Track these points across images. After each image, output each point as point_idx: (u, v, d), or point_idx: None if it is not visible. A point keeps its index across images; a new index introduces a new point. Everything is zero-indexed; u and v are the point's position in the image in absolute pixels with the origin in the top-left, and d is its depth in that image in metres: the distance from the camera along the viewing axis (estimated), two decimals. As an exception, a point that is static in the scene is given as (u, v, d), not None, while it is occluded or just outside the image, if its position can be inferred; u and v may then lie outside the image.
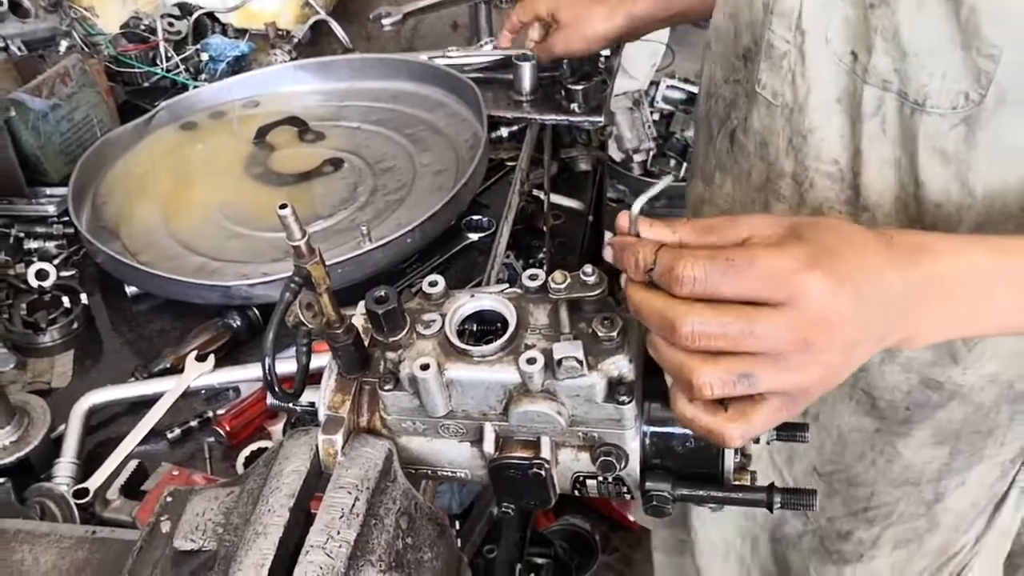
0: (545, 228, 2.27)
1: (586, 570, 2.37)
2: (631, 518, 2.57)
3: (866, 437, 1.25)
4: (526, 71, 1.66)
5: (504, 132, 1.70)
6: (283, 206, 0.72)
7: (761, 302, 0.68)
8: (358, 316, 0.89)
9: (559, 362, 0.74)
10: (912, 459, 1.24)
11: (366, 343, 0.85)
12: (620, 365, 0.76)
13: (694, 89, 3.37)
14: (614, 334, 0.76)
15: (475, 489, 1.86)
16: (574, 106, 1.65)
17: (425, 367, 0.76)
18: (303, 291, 0.77)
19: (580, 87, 1.64)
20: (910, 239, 0.77)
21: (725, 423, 0.71)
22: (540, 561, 2.22)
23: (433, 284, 0.83)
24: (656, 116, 3.36)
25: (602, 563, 2.47)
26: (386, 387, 0.80)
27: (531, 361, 0.75)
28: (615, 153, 3.23)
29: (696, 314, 0.68)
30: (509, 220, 1.50)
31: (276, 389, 0.76)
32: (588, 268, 0.78)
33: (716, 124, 1.24)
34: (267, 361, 0.73)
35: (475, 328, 0.83)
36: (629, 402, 0.76)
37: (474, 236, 1.48)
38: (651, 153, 3.25)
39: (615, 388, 0.76)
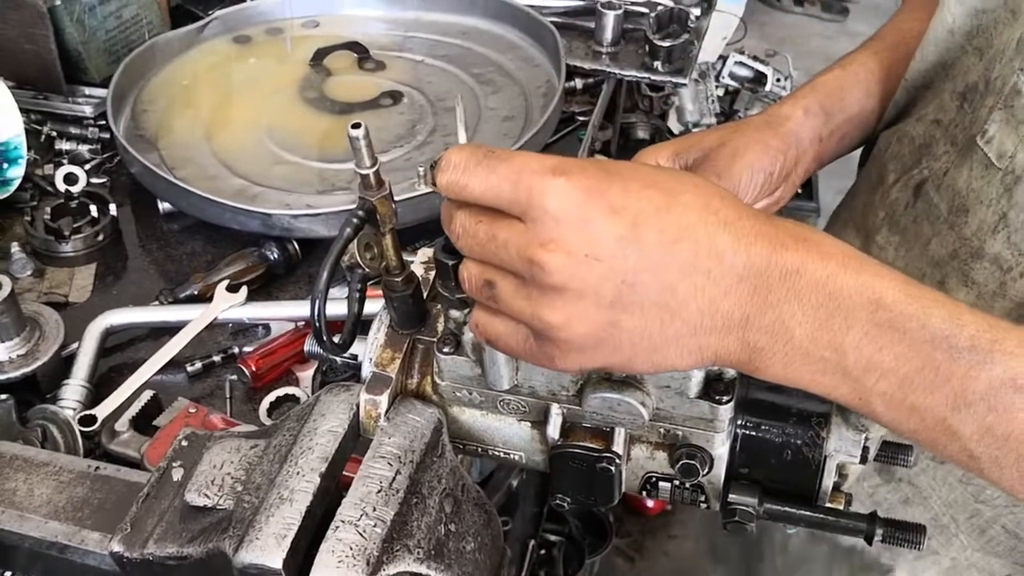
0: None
1: (598, 552, 2.29)
2: (649, 504, 2.48)
3: None
4: (610, 20, 1.54)
5: (578, 83, 1.58)
6: (356, 125, 0.62)
7: (508, 210, 0.58)
8: (418, 264, 0.79)
9: (653, 346, 0.63)
10: None
11: (424, 295, 0.75)
12: (723, 358, 0.65)
13: (763, 68, 3.22)
14: (720, 321, 0.65)
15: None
16: (657, 64, 1.53)
17: (495, 333, 0.66)
18: (365, 228, 0.67)
19: (666, 44, 1.51)
20: (798, 228, 0.58)
21: (479, 310, 0.63)
22: (553, 539, 2.14)
23: (511, 238, 0.72)
24: (721, 92, 3.22)
25: (614, 547, 2.39)
26: (445, 350, 0.70)
27: (619, 341, 0.64)
28: (674, 125, 3.09)
29: (460, 213, 0.60)
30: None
31: (324, 338, 0.65)
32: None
33: (895, 168, 1.03)
34: (317, 304, 0.63)
35: (552, 294, 0.72)
36: (727, 402, 0.66)
37: (536, 192, 1.36)
38: (711, 129, 3.12)
39: (713, 384, 0.66)
